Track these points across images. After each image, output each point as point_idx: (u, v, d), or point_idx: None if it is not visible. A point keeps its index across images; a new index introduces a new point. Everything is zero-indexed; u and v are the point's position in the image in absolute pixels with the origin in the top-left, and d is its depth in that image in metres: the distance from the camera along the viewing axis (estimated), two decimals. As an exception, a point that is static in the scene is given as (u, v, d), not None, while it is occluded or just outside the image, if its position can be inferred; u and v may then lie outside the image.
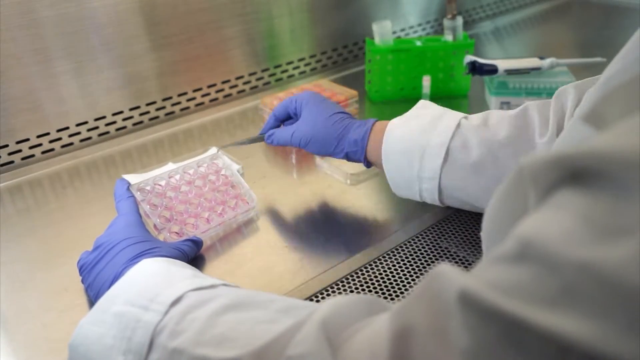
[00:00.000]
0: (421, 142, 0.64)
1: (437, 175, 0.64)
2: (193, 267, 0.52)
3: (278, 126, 0.78)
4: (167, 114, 0.99)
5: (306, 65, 1.15)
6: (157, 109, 0.98)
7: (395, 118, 0.68)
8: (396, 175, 0.67)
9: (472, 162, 0.62)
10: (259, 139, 0.78)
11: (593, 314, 0.22)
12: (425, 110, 0.68)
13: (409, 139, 0.65)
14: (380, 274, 0.64)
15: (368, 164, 0.70)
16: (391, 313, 0.33)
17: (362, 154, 0.69)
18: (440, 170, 0.63)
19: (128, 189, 0.66)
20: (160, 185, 0.70)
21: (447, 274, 0.28)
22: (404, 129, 0.66)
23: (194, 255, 0.64)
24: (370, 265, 0.65)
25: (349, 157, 0.70)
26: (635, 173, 0.23)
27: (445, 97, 1.03)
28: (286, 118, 0.77)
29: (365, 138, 0.68)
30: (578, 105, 0.59)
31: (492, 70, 0.95)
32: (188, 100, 1.01)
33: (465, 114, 0.66)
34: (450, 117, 0.65)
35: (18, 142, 0.85)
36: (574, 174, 0.26)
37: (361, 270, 0.64)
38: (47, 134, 0.88)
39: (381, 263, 0.65)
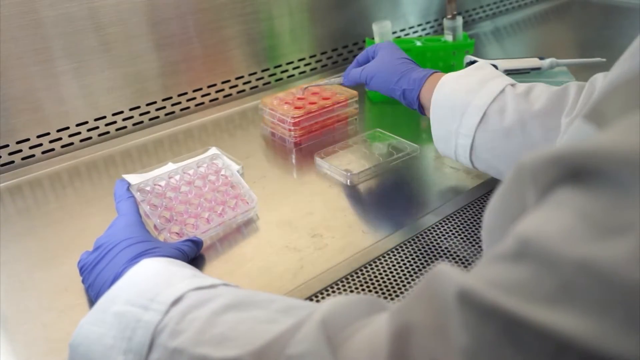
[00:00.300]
0: (465, 100, 0.69)
1: (472, 134, 0.68)
2: (193, 267, 0.52)
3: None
4: (167, 114, 0.99)
5: (306, 65, 1.15)
6: (157, 109, 0.98)
7: (451, 72, 0.74)
8: (439, 127, 0.72)
9: (504, 127, 0.66)
10: (338, 80, 0.88)
11: (592, 311, 0.22)
12: (478, 72, 0.73)
13: (455, 96, 0.70)
14: (380, 274, 0.64)
15: (420, 108, 0.76)
16: (391, 312, 0.33)
17: (416, 94, 0.75)
18: (475, 129, 0.68)
19: (128, 189, 0.66)
20: (160, 185, 0.70)
21: (446, 273, 0.28)
22: (454, 85, 0.71)
23: (194, 255, 0.64)
24: (370, 265, 0.65)
25: (404, 96, 0.77)
26: (635, 171, 0.23)
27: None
28: (366, 62, 0.84)
29: (423, 80, 0.74)
30: None
31: (492, 70, 0.95)
32: (188, 100, 1.01)
33: (513, 82, 0.70)
34: (497, 82, 0.69)
35: (18, 142, 0.85)
36: (574, 171, 0.26)
37: (361, 270, 0.64)
38: (47, 134, 0.88)
39: (381, 263, 0.65)
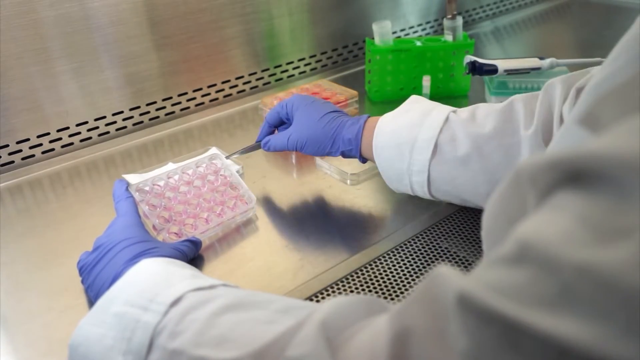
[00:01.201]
0: (411, 136, 0.66)
1: (426, 169, 0.65)
2: (193, 267, 0.52)
3: (272, 132, 0.80)
4: (167, 114, 0.99)
5: (306, 65, 1.15)
6: (157, 109, 0.98)
7: (387, 113, 0.70)
8: (388, 169, 0.69)
9: (459, 156, 0.64)
10: (256, 146, 0.80)
11: (592, 316, 0.22)
12: (415, 105, 0.70)
13: (399, 134, 0.67)
14: (380, 274, 0.64)
15: (364, 160, 0.73)
16: (391, 315, 0.33)
17: (357, 152, 0.71)
18: (429, 163, 0.65)
19: (127, 189, 0.66)
20: (159, 185, 0.70)
21: (446, 276, 0.28)
22: (394, 123, 0.68)
23: (193, 255, 0.64)
24: (370, 265, 0.65)
25: (344, 155, 0.73)
26: (634, 175, 0.23)
27: (445, 97, 1.03)
28: (279, 123, 0.79)
29: (359, 136, 0.70)
30: (566, 99, 0.59)
31: (492, 70, 0.95)
32: (188, 100, 1.01)
33: (455, 108, 0.68)
34: (439, 111, 0.67)
35: (18, 142, 0.85)
36: (573, 175, 0.26)
37: (361, 270, 0.64)
38: (47, 134, 0.88)
39: (381, 263, 0.65)
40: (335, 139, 0.71)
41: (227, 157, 0.80)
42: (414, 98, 0.72)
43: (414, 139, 0.65)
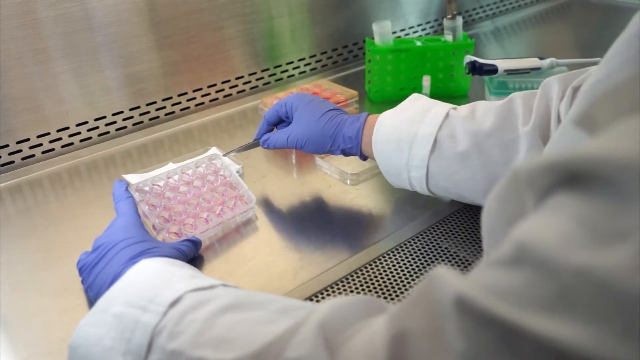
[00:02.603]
0: (410, 131, 0.66)
1: (425, 164, 0.66)
2: (192, 267, 0.52)
3: (271, 130, 0.79)
4: (167, 114, 0.99)
5: (306, 65, 1.15)
6: (157, 109, 0.98)
7: (387, 111, 0.70)
8: (387, 165, 0.69)
9: (458, 152, 0.64)
10: (255, 144, 0.79)
11: (589, 319, 0.22)
12: (415, 103, 0.70)
13: (399, 129, 0.67)
14: (380, 274, 0.64)
15: (364, 157, 0.73)
16: (389, 316, 0.33)
17: (357, 150, 0.71)
18: (427, 158, 0.65)
19: (127, 189, 0.66)
20: (158, 185, 0.70)
21: (443, 278, 0.28)
22: (394, 119, 0.68)
23: (193, 255, 0.64)
24: (370, 265, 0.65)
25: (345, 153, 0.73)
26: (633, 177, 0.23)
27: (445, 97, 1.02)
28: (278, 121, 0.79)
29: (360, 134, 0.70)
30: (563, 97, 0.60)
31: (492, 70, 0.95)
32: (188, 100, 1.01)
33: (455, 105, 0.68)
34: (440, 108, 0.67)
35: (18, 142, 0.85)
36: (570, 177, 0.26)
37: (361, 270, 0.64)
38: (47, 134, 0.88)
39: (381, 263, 0.65)
40: (335, 137, 0.71)
41: (224, 155, 0.80)
42: (414, 96, 0.72)
43: (413, 134, 0.66)
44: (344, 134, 0.71)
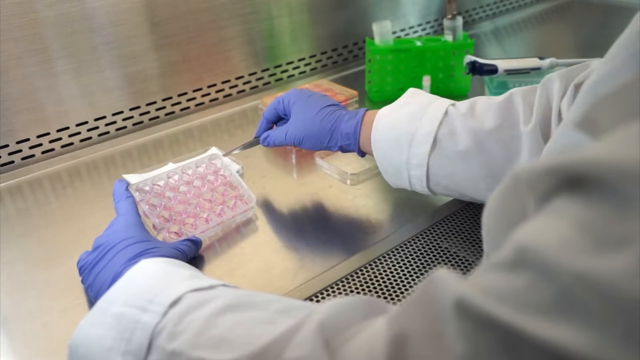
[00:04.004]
0: (409, 129, 0.65)
1: (425, 163, 0.65)
2: (192, 267, 0.52)
3: (270, 127, 0.79)
4: (167, 114, 0.99)
5: (306, 65, 1.15)
6: (157, 109, 0.98)
7: (385, 107, 0.69)
8: (386, 163, 0.68)
9: (459, 150, 0.63)
10: (255, 142, 0.79)
11: (589, 324, 0.22)
12: (413, 99, 0.69)
13: (397, 127, 0.66)
14: (380, 274, 0.64)
15: (362, 154, 0.72)
16: (389, 317, 0.33)
17: (355, 146, 0.70)
18: (427, 157, 0.64)
19: (127, 189, 0.66)
20: (159, 185, 0.70)
21: (444, 280, 0.28)
22: (392, 117, 0.67)
23: (193, 255, 0.64)
24: (370, 265, 0.65)
25: (343, 150, 0.72)
26: (634, 183, 0.23)
27: (445, 97, 1.02)
28: (277, 119, 0.78)
29: (357, 130, 0.70)
30: (564, 95, 0.59)
31: (492, 70, 0.95)
32: (188, 100, 1.01)
33: (453, 102, 0.67)
34: (438, 105, 0.66)
35: (18, 142, 0.85)
36: (571, 181, 0.26)
37: (361, 270, 0.64)
38: (47, 134, 0.88)
39: (381, 263, 0.65)
40: (333, 133, 0.71)
41: (225, 155, 0.80)
42: (411, 91, 0.71)
43: (413, 132, 0.65)
44: (341, 130, 0.70)
